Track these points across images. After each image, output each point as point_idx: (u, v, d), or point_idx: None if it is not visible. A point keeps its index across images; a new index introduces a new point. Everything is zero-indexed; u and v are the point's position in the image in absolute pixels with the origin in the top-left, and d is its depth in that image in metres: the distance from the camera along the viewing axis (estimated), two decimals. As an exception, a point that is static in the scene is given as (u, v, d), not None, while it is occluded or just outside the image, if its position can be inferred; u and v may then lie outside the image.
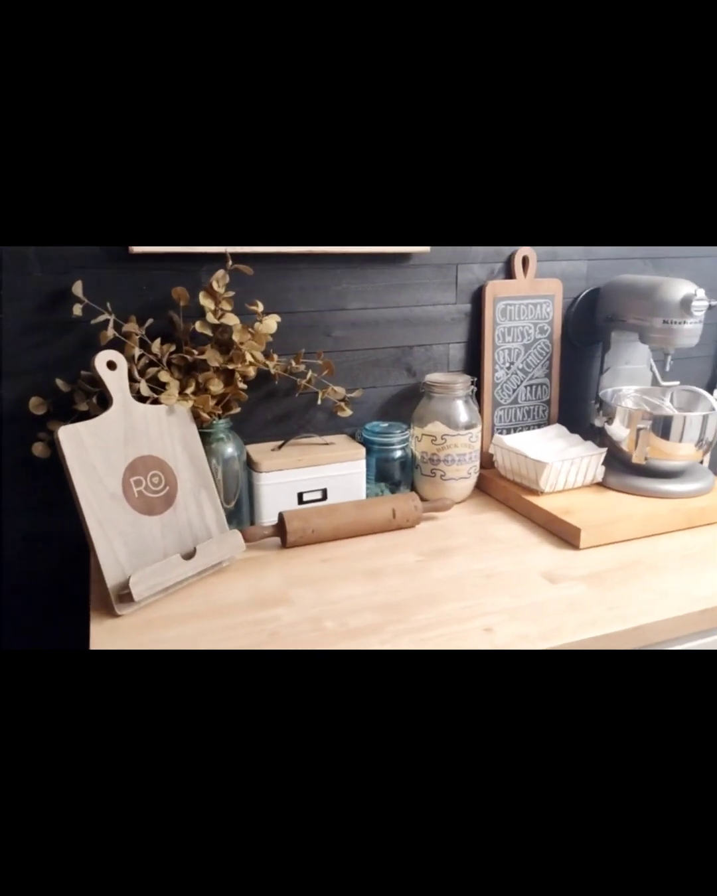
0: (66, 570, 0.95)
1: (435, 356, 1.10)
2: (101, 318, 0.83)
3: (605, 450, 1.03)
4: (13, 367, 0.85)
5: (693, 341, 1.00)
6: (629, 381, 1.14)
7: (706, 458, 1.06)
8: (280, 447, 0.99)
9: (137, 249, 0.85)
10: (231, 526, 0.92)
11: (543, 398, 1.16)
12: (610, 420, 1.03)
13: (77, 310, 0.82)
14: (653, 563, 0.86)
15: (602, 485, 1.04)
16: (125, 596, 0.73)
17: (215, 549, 0.81)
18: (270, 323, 0.89)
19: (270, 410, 1.02)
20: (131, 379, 0.82)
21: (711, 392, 1.38)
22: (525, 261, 1.09)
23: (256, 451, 0.98)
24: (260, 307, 0.89)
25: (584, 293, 1.15)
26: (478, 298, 1.08)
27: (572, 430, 1.13)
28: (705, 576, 0.82)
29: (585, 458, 1.01)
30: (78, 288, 0.83)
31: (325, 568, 0.86)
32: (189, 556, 0.79)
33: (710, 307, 0.96)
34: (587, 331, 1.17)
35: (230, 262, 0.86)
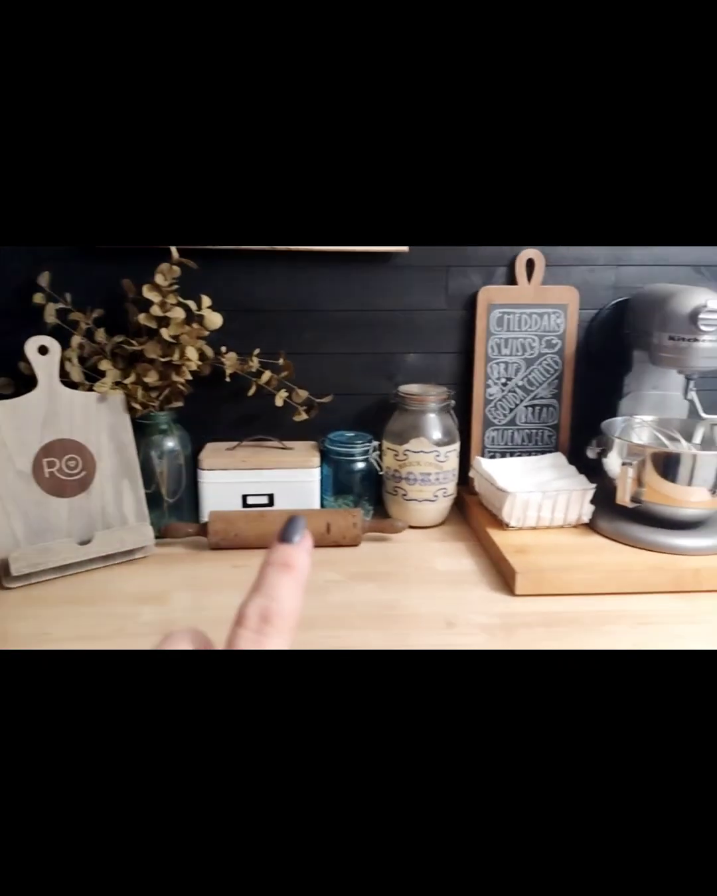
0: None
1: (423, 366, 1.01)
2: (58, 306, 0.87)
3: (593, 487, 0.87)
4: (-11, 349, 0.93)
5: (712, 364, 0.82)
6: (657, 410, 0.96)
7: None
8: (235, 447, 0.97)
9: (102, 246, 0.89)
10: (170, 519, 0.92)
11: (549, 422, 1.02)
12: (605, 452, 0.88)
13: (38, 298, 0.88)
14: (591, 626, 0.70)
15: (591, 528, 0.89)
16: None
17: (117, 538, 0.81)
18: (214, 318, 0.87)
19: (236, 410, 1.00)
20: (77, 365, 0.85)
21: None
22: (531, 265, 0.96)
23: (211, 449, 0.97)
24: (206, 302, 0.88)
25: (610, 304, 0.99)
26: (472, 305, 0.98)
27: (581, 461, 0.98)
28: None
29: (563, 494, 0.86)
30: (43, 279, 0.88)
31: (231, 573, 0.82)
32: (85, 541, 0.80)
33: (727, 322, 0.77)
34: (614, 349, 1.00)
35: (175, 256, 0.86)
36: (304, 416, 0.96)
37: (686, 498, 0.82)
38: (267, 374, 0.94)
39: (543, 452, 1.01)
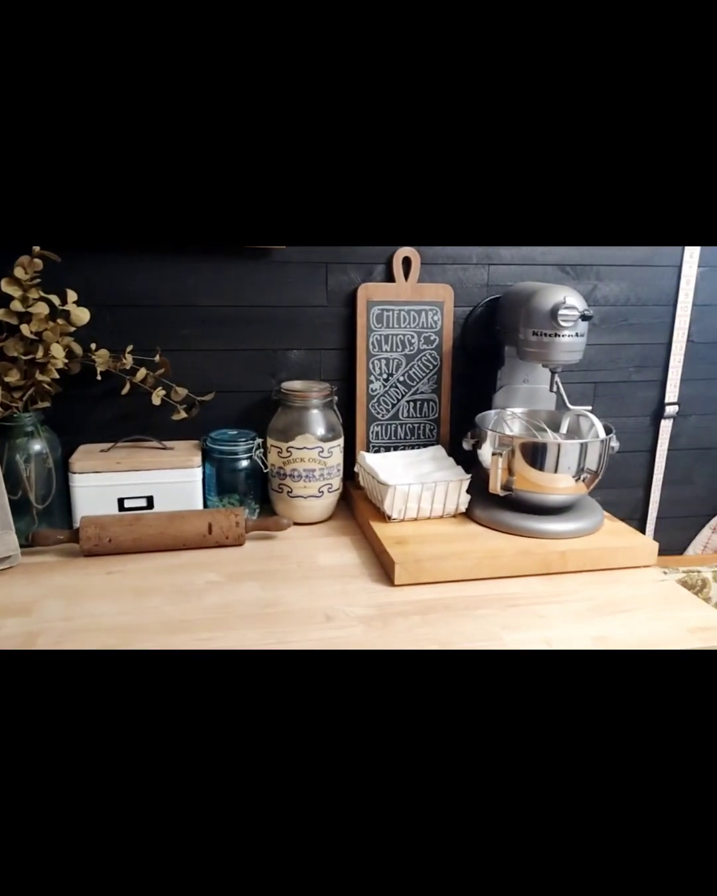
0: None
1: (305, 362, 1.01)
2: None
3: (468, 477, 0.91)
4: None
5: (573, 357, 0.87)
6: (528, 402, 1.01)
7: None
8: (109, 448, 0.93)
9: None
10: (41, 526, 0.87)
11: (430, 416, 1.05)
12: (479, 444, 0.91)
13: None
14: (463, 610, 0.73)
15: (468, 517, 0.92)
16: None
17: (-24, 548, 0.76)
18: (80, 313, 0.84)
19: (110, 410, 0.96)
20: None
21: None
22: (407, 263, 0.99)
23: (84, 451, 0.92)
24: (72, 296, 0.84)
25: (484, 302, 1.03)
26: (352, 301, 0.99)
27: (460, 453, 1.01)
28: (511, 635, 0.69)
29: (440, 485, 0.89)
30: None
31: (105, 580, 0.79)
32: (-61, 553, 0.74)
33: (583, 317, 0.83)
34: (488, 344, 1.04)
35: (36, 249, 0.81)
36: (183, 415, 0.93)
37: (553, 484, 0.87)
38: (142, 372, 0.91)
39: (425, 446, 1.04)
